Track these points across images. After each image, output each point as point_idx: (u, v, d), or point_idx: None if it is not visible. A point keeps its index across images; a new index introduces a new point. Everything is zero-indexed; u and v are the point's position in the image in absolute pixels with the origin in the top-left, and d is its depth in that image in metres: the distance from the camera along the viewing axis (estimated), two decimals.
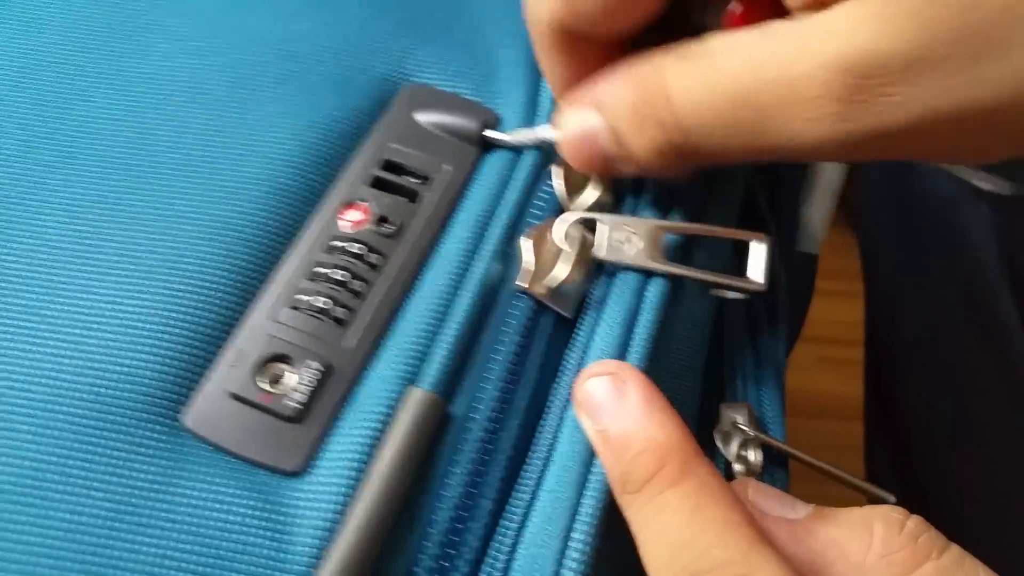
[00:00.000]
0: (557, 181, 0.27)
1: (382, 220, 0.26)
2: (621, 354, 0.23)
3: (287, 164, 0.26)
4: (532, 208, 0.26)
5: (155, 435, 0.21)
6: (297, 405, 0.22)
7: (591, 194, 0.26)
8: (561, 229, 0.25)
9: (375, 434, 0.22)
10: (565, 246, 0.25)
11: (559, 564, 0.21)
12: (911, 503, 0.22)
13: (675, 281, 0.25)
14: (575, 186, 0.27)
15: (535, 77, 0.29)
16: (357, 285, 0.24)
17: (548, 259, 0.25)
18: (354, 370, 0.23)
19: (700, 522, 0.19)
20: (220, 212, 0.25)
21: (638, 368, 0.23)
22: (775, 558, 0.18)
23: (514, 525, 0.22)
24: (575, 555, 0.20)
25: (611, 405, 0.21)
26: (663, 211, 0.26)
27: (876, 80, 0.19)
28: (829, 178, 0.24)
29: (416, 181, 0.27)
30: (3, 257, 0.24)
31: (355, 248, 0.25)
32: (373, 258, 0.25)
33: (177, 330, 0.23)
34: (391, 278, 0.25)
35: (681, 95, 0.22)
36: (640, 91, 0.22)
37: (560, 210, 0.26)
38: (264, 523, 0.21)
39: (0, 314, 0.23)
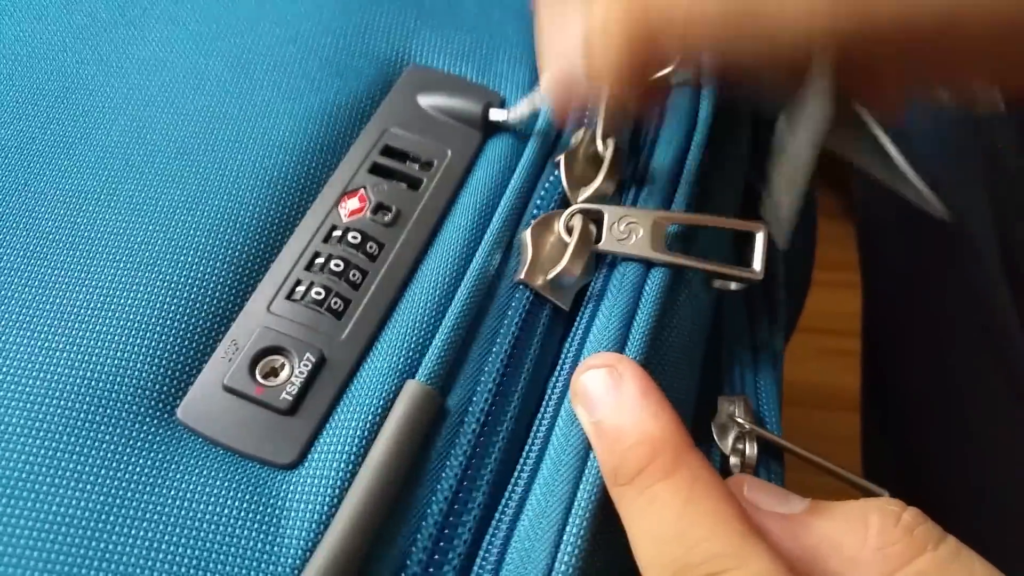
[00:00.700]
0: (562, 171, 0.26)
1: (382, 208, 0.25)
2: (620, 346, 0.23)
3: (287, 151, 0.25)
4: (535, 198, 0.26)
5: (148, 428, 0.21)
6: (291, 398, 0.21)
7: (595, 185, 0.25)
8: (564, 220, 0.25)
9: (369, 427, 0.21)
10: (567, 237, 0.24)
11: (553, 557, 0.20)
12: (907, 494, 0.21)
13: (676, 272, 0.24)
14: (579, 177, 0.26)
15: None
16: (354, 275, 0.23)
17: (549, 251, 0.25)
18: (349, 362, 0.22)
19: (691, 515, 0.18)
20: (218, 201, 0.24)
21: (636, 360, 0.22)
22: (766, 552, 0.18)
23: (508, 518, 0.21)
24: (569, 549, 0.20)
25: (607, 397, 0.21)
26: (665, 201, 0.26)
27: None
28: (794, 163, 0.22)
29: (417, 167, 0.26)
30: (0, 247, 0.23)
31: (354, 237, 0.24)
32: (372, 248, 0.24)
33: (173, 322, 0.22)
34: (389, 268, 0.24)
35: None
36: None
37: (563, 200, 0.26)
38: (256, 516, 0.20)
39: None
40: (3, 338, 0.22)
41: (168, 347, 0.22)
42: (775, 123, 0.23)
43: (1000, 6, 0.18)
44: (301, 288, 0.23)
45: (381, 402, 0.21)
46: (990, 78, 0.21)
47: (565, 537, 0.20)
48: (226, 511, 0.20)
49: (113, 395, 0.21)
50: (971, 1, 0.18)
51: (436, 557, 0.20)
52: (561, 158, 0.26)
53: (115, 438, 0.20)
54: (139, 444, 0.21)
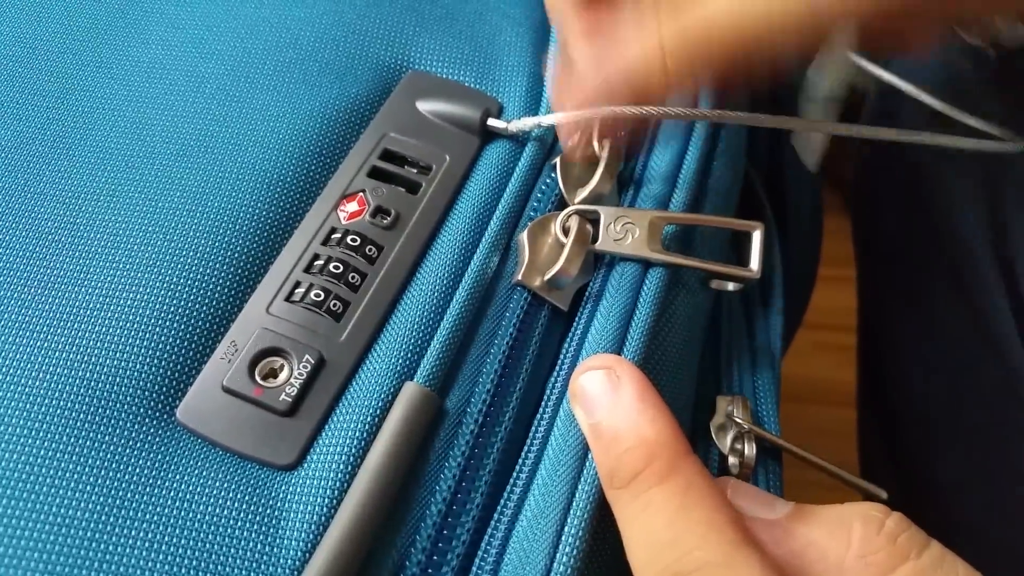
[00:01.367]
0: (558, 174, 0.26)
1: (381, 212, 0.24)
2: (618, 347, 0.22)
3: (286, 155, 0.25)
4: (532, 200, 0.25)
5: (147, 428, 0.21)
6: (290, 399, 0.21)
7: (591, 186, 0.25)
8: (560, 221, 0.24)
9: (368, 429, 0.21)
10: (563, 238, 0.24)
11: (551, 558, 0.20)
12: (901, 490, 0.21)
13: (674, 272, 0.24)
14: (575, 179, 0.26)
15: (538, 65, 0.28)
16: (353, 278, 0.23)
17: (546, 252, 0.24)
18: (348, 364, 0.22)
19: (684, 522, 0.18)
20: (218, 204, 0.24)
21: (634, 360, 0.22)
22: (758, 560, 0.18)
23: (506, 519, 0.21)
24: (568, 549, 0.20)
25: (605, 400, 0.20)
26: (662, 202, 0.25)
27: None
28: (831, 83, 0.23)
29: (416, 171, 0.26)
30: None
31: (353, 240, 0.24)
32: (370, 250, 0.24)
33: (172, 323, 0.22)
34: (388, 271, 0.24)
35: None
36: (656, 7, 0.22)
37: (560, 202, 0.25)
38: (255, 516, 0.20)
39: None
40: (2, 339, 0.21)
41: (167, 348, 0.22)
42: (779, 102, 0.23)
43: None
44: (300, 290, 0.23)
45: (380, 404, 0.21)
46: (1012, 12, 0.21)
47: (564, 538, 0.20)
48: (225, 512, 0.20)
49: (112, 396, 0.21)
50: None
51: (435, 558, 0.20)
52: (558, 160, 0.26)
53: (114, 439, 0.20)
54: (138, 445, 0.20)
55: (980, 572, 0.18)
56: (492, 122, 0.26)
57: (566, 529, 0.20)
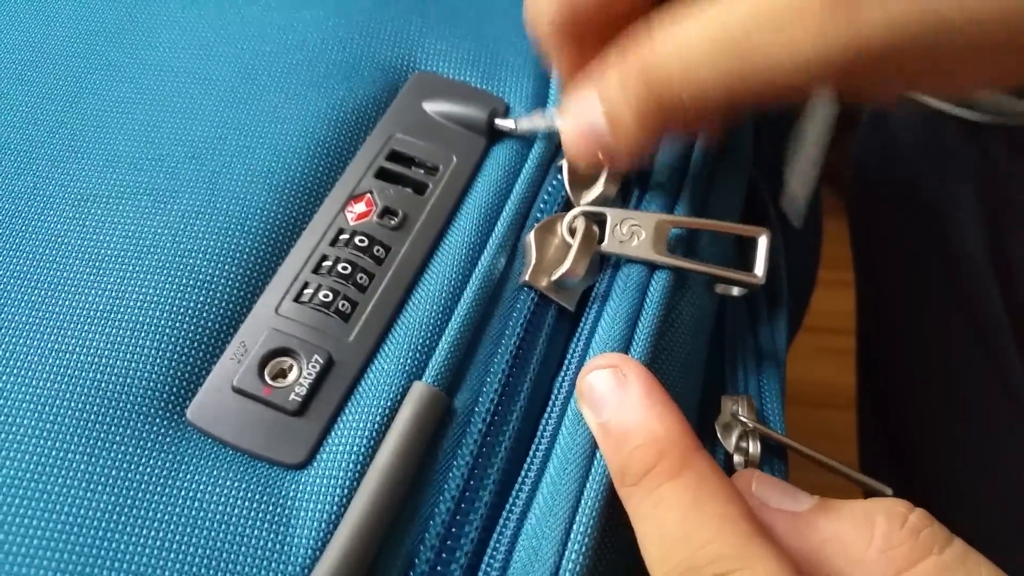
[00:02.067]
0: (565, 175, 0.26)
1: (388, 212, 0.25)
2: (624, 347, 0.23)
3: (294, 156, 0.25)
4: (539, 201, 0.26)
5: (158, 429, 0.21)
6: (299, 399, 0.21)
7: (598, 188, 0.25)
8: (567, 223, 0.24)
9: (377, 428, 0.21)
10: (570, 239, 0.24)
11: (560, 556, 0.20)
12: (901, 495, 0.21)
13: (679, 274, 0.24)
14: (582, 180, 0.26)
15: (544, 65, 0.28)
16: (361, 278, 0.23)
17: (553, 253, 0.24)
18: (357, 364, 0.22)
19: (697, 516, 0.18)
20: (226, 205, 0.24)
21: (641, 361, 0.22)
22: (773, 553, 0.18)
23: (515, 517, 0.21)
24: (576, 547, 0.20)
25: (613, 398, 0.20)
26: (669, 205, 0.25)
27: None
28: (811, 148, 0.23)
29: (423, 172, 0.26)
30: (9, 251, 0.23)
31: (360, 241, 0.24)
32: (378, 251, 0.24)
33: (182, 324, 0.22)
34: (395, 271, 0.24)
35: (664, 41, 0.21)
36: (623, 62, 0.22)
37: (567, 203, 0.26)
38: (266, 515, 0.20)
39: (6, 308, 0.22)
40: (14, 340, 0.21)
41: (177, 349, 0.22)
42: (779, 123, 0.23)
43: (980, 19, 0.18)
44: (309, 290, 0.23)
45: (388, 403, 0.21)
46: (987, 83, 0.21)
47: (572, 536, 0.20)
48: (236, 511, 0.20)
49: (123, 396, 0.21)
50: (955, 16, 0.18)
51: (444, 556, 0.20)
52: (564, 162, 0.26)
53: (125, 439, 0.20)
54: (149, 445, 0.20)
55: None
56: (499, 122, 0.26)
57: (575, 527, 0.20)
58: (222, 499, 0.20)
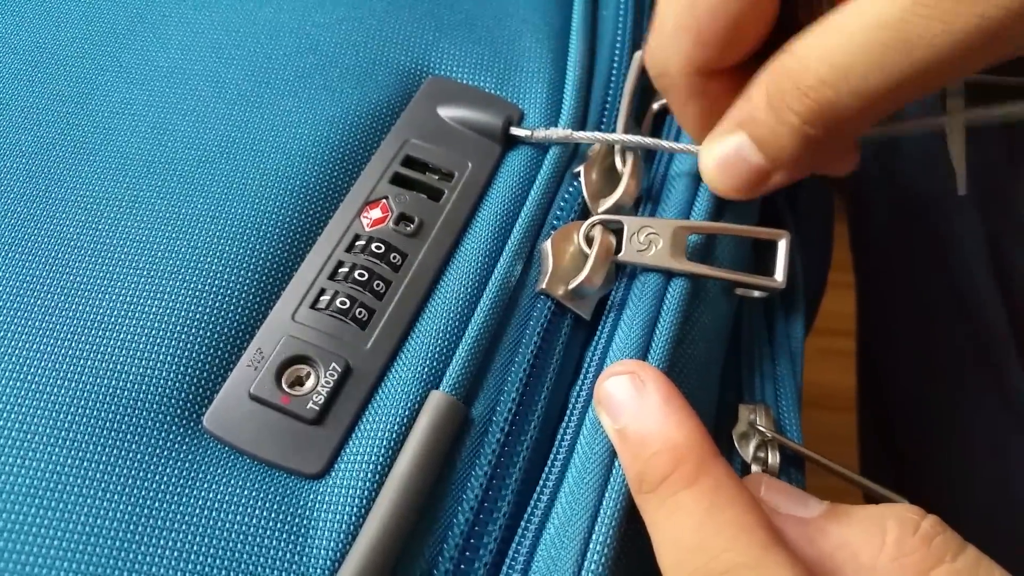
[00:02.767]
0: (582, 182, 0.25)
1: (404, 219, 0.24)
2: (642, 355, 0.22)
3: (308, 160, 0.25)
4: (555, 209, 0.25)
5: (175, 437, 0.20)
6: (317, 407, 0.21)
7: (615, 196, 0.25)
8: (584, 231, 0.24)
9: (395, 437, 0.21)
10: (587, 248, 0.24)
11: (579, 565, 0.20)
12: (900, 494, 0.21)
13: (696, 281, 0.24)
14: (599, 187, 0.26)
15: (558, 71, 0.28)
16: (378, 285, 0.23)
17: (569, 261, 0.24)
18: (374, 372, 0.22)
19: (713, 524, 0.18)
20: (241, 210, 0.24)
21: (659, 368, 0.22)
22: (788, 562, 0.17)
23: (534, 526, 0.21)
24: (596, 557, 0.19)
25: (631, 404, 0.20)
26: (685, 211, 0.25)
27: None
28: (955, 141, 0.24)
29: (438, 178, 0.26)
30: (22, 256, 0.23)
31: (377, 247, 0.24)
32: (395, 258, 0.24)
33: (197, 331, 0.22)
34: (412, 278, 0.23)
35: (817, 56, 0.20)
36: (770, 84, 0.21)
37: (583, 211, 0.25)
38: (283, 525, 0.20)
39: (19, 315, 0.22)
40: (28, 347, 0.21)
41: (193, 355, 0.21)
42: None
43: None
44: (325, 297, 0.23)
45: (406, 412, 0.21)
46: None
47: (592, 545, 0.20)
48: (254, 520, 0.20)
49: (139, 404, 0.21)
50: None
51: (463, 566, 0.20)
52: (581, 169, 0.26)
53: (141, 447, 0.20)
54: (165, 453, 0.20)
55: None
56: (515, 130, 0.26)
57: (594, 536, 0.20)
58: (239, 508, 0.20)
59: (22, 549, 0.19)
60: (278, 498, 0.20)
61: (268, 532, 0.20)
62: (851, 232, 0.48)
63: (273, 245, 0.23)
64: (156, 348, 0.21)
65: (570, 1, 0.30)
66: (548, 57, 0.28)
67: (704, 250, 0.25)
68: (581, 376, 0.23)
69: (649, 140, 0.25)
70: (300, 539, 0.20)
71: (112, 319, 0.22)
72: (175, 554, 0.19)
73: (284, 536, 0.20)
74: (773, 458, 0.24)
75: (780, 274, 0.24)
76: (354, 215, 0.24)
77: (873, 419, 0.49)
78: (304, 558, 0.19)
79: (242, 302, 0.22)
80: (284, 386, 0.21)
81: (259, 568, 0.19)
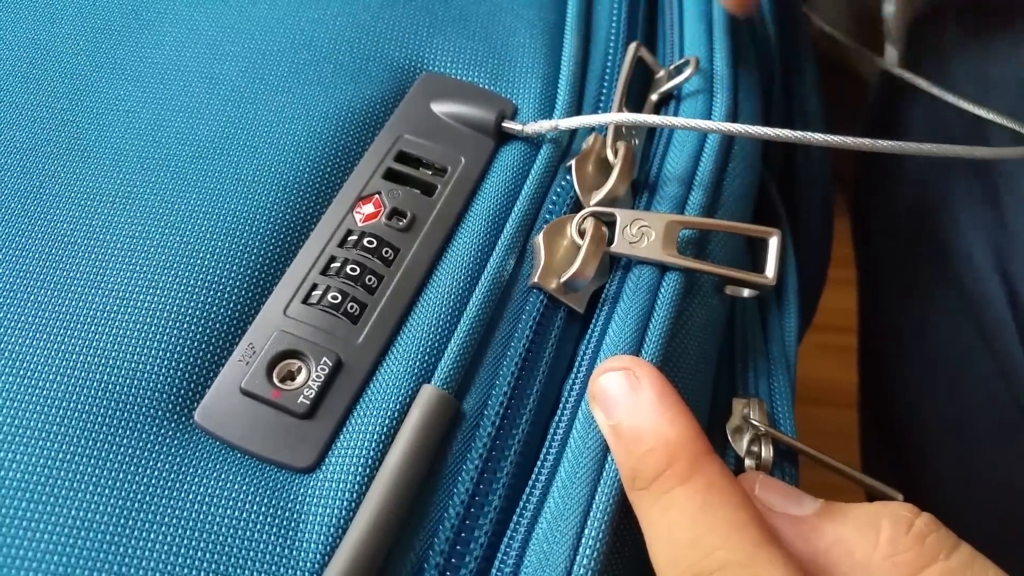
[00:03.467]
0: (574, 176, 0.25)
1: (397, 214, 0.24)
2: (635, 349, 0.22)
3: (302, 156, 0.25)
4: (547, 203, 0.25)
5: (166, 431, 0.20)
6: (308, 402, 0.21)
7: (607, 188, 0.25)
8: (576, 223, 0.24)
9: (386, 431, 0.20)
10: (579, 240, 0.24)
11: (571, 560, 0.19)
12: (905, 496, 0.20)
13: (690, 277, 0.24)
14: (591, 181, 0.25)
15: (552, 66, 0.28)
16: (370, 280, 0.23)
17: (562, 254, 0.24)
18: (366, 366, 0.22)
19: (706, 522, 0.18)
20: (234, 205, 0.24)
21: (652, 364, 0.21)
22: (781, 560, 0.17)
23: (526, 521, 0.21)
24: (588, 552, 0.19)
25: (625, 400, 0.20)
26: (679, 206, 0.25)
27: None
28: None
29: (431, 173, 0.25)
30: (15, 250, 0.23)
31: (369, 242, 0.23)
32: (387, 252, 0.23)
33: (190, 325, 0.22)
34: (404, 273, 0.23)
35: None
36: None
37: (576, 204, 0.25)
38: (274, 519, 0.20)
39: (12, 309, 0.22)
40: (20, 341, 0.21)
41: (185, 350, 0.21)
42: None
43: None
44: (317, 292, 0.23)
45: (397, 406, 0.21)
46: None
47: (584, 540, 0.20)
48: (244, 515, 0.20)
49: (130, 398, 0.21)
50: None
51: (453, 560, 0.20)
52: (573, 163, 0.26)
53: (133, 441, 0.20)
54: (157, 447, 0.20)
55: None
56: (507, 124, 0.26)
57: (586, 531, 0.19)
58: (230, 502, 0.20)
59: (13, 543, 0.19)
60: (269, 492, 0.20)
61: (259, 525, 0.20)
62: (853, 228, 0.47)
63: (266, 240, 0.23)
64: (148, 343, 0.21)
65: None
66: (542, 52, 0.28)
67: (696, 245, 0.25)
68: (574, 370, 0.23)
69: (633, 115, 0.25)
70: (291, 532, 0.20)
71: (104, 314, 0.22)
72: (166, 547, 0.19)
73: (275, 529, 0.20)
74: (766, 452, 0.23)
75: (771, 271, 0.24)
76: (347, 210, 0.24)
77: (874, 416, 0.49)
78: (295, 551, 0.19)
79: (234, 297, 0.22)
80: (275, 381, 0.21)
81: (250, 561, 0.19)
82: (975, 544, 0.19)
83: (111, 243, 0.23)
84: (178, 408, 0.21)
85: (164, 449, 0.20)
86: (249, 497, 0.20)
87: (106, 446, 0.20)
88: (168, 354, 0.21)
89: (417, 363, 0.22)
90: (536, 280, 0.23)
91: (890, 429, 0.46)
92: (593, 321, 0.24)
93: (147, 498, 0.19)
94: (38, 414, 0.20)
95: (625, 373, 0.20)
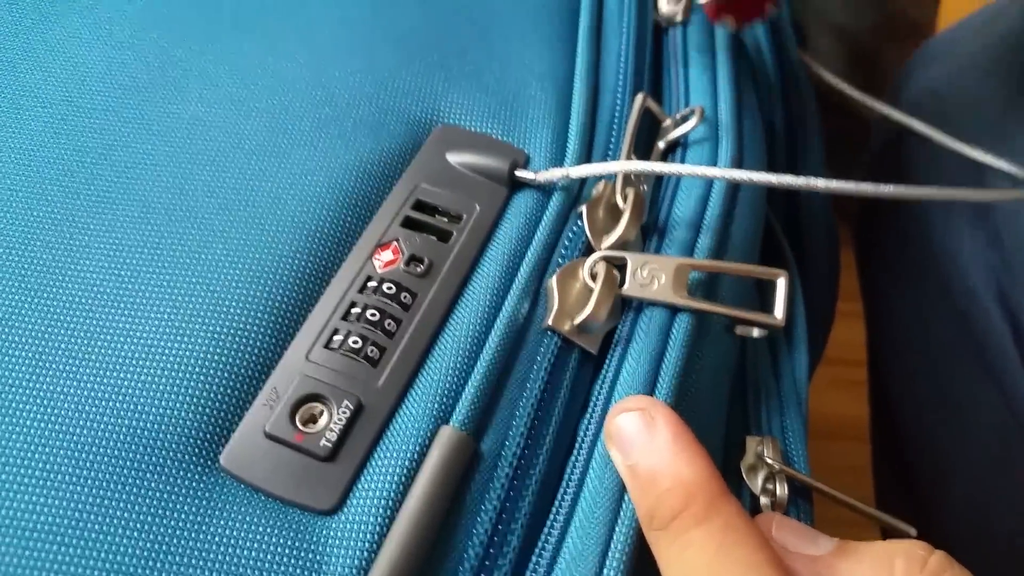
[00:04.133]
0: (585, 221, 0.26)
1: (415, 260, 0.25)
2: (649, 389, 0.23)
3: (323, 207, 0.26)
4: (560, 247, 0.26)
5: (192, 475, 0.21)
6: (330, 444, 0.21)
7: (618, 232, 0.25)
8: (588, 267, 0.25)
9: (406, 472, 0.21)
10: (592, 283, 0.24)
11: None
12: (917, 527, 0.20)
13: (701, 317, 0.24)
14: (602, 226, 0.26)
15: (562, 117, 0.29)
16: (389, 324, 0.23)
17: (575, 297, 0.25)
18: (385, 409, 0.22)
19: (724, 563, 0.18)
20: (258, 255, 0.24)
21: (667, 403, 0.22)
22: None
23: (545, 561, 0.21)
24: None
25: (641, 441, 0.20)
26: (687, 249, 0.26)
27: None
28: None
29: (447, 220, 0.26)
30: (47, 301, 0.23)
31: (388, 288, 0.24)
32: (405, 297, 0.24)
33: (216, 371, 0.22)
34: (422, 317, 0.24)
35: None
36: None
37: (587, 249, 0.26)
38: (298, 560, 0.20)
39: (44, 357, 0.22)
40: (52, 389, 0.22)
41: (211, 395, 0.22)
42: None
43: None
44: (339, 337, 0.23)
45: (417, 448, 0.21)
46: None
47: None
48: (269, 557, 0.20)
49: (158, 443, 0.21)
50: None
51: None
52: (584, 208, 0.26)
53: (161, 485, 0.20)
54: (184, 491, 0.20)
55: None
56: (520, 173, 0.27)
57: (605, 570, 0.20)
58: (255, 545, 0.20)
59: None
60: (292, 534, 0.20)
61: (283, 568, 0.20)
62: (858, 261, 0.48)
63: (288, 288, 0.24)
64: (175, 389, 0.22)
65: (573, 50, 0.31)
66: (553, 104, 0.29)
67: (706, 287, 0.25)
68: (589, 410, 0.23)
69: (641, 163, 0.26)
70: (314, 574, 0.20)
71: (133, 361, 0.22)
72: None
73: (298, 571, 0.20)
74: (781, 490, 0.24)
75: (780, 312, 0.24)
76: (366, 257, 0.25)
77: (886, 448, 0.49)
78: None
79: (258, 343, 0.23)
80: (298, 424, 0.22)
81: None
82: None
83: (139, 292, 0.24)
84: (204, 452, 0.21)
85: (191, 492, 0.20)
86: (273, 539, 0.20)
87: (134, 490, 0.20)
88: (194, 400, 0.22)
89: (435, 405, 0.22)
90: (550, 322, 0.24)
91: (902, 461, 0.45)
92: (607, 362, 0.24)
93: (174, 541, 0.20)
94: (69, 459, 0.21)
95: (641, 413, 0.21)
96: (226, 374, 0.22)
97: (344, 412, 0.22)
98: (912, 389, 0.43)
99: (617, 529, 0.20)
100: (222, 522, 0.20)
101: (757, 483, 0.24)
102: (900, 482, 0.46)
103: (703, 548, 0.18)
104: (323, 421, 0.22)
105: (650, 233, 0.27)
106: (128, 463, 0.21)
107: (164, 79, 0.29)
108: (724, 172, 0.24)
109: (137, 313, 0.23)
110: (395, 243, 0.25)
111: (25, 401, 0.21)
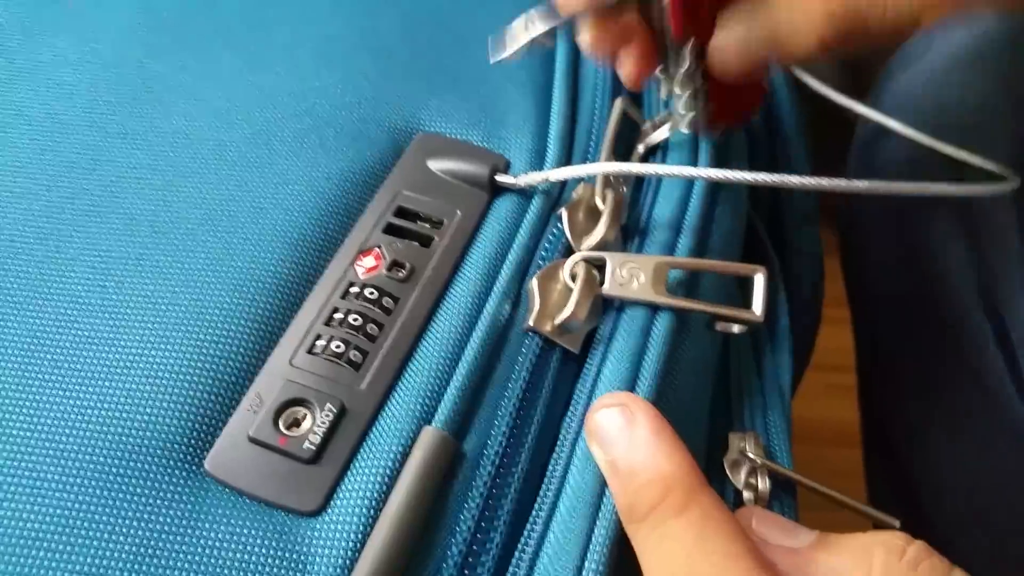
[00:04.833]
0: (565, 223, 0.26)
1: (396, 265, 0.25)
2: (630, 388, 0.23)
3: (306, 215, 0.26)
4: (540, 250, 0.26)
5: (177, 480, 0.21)
6: (313, 447, 0.21)
7: (598, 234, 0.26)
8: (568, 268, 0.25)
9: (389, 473, 0.21)
10: (572, 284, 0.25)
11: None
12: (912, 529, 0.21)
13: (681, 315, 0.25)
14: (582, 228, 0.26)
15: (541, 122, 0.29)
16: (371, 329, 0.24)
17: (556, 298, 0.25)
18: (368, 411, 0.22)
19: (702, 552, 0.18)
20: (241, 264, 0.25)
21: (647, 399, 0.22)
22: None
23: (528, 556, 0.21)
24: None
25: (621, 435, 0.21)
26: (668, 248, 0.26)
27: None
28: None
29: (429, 226, 0.26)
30: (33, 312, 0.24)
31: (370, 293, 0.24)
32: (387, 302, 0.24)
33: (200, 378, 0.22)
34: (404, 321, 0.24)
35: None
36: None
37: (568, 251, 0.26)
38: (282, 563, 0.20)
39: (30, 367, 0.22)
40: (38, 397, 0.22)
41: (195, 402, 0.22)
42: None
43: None
44: (321, 342, 0.23)
45: (400, 448, 0.21)
46: None
47: (584, 573, 0.20)
48: (254, 559, 0.20)
49: (143, 449, 0.21)
50: None
51: None
52: (564, 211, 0.27)
53: (146, 491, 0.21)
54: (169, 496, 0.21)
55: None
56: (500, 177, 0.27)
57: (586, 564, 0.20)
58: (240, 548, 0.20)
59: None
60: (277, 536, 0.20)
61: (268, 569, 0.20)
62: (843, 267, 0.48)
63: (272, 295, 0.24)
64: (160, 396, 0.22)
65: (552, 56, 0.31)
66: (532, 109, 0.29)
67: (687, 285, 0.25)
68: (570, 409, 0.24)
69: (618, 164, 0.26)
70: (298, 574, 0.20)
71: (118, 370, 0.22)
72: None
73: (283, 572, 0.20)
74: (764, 484, 0.24)
75: (758, 307, 0.25)
76: (348, 263, 0.25)
77: (877, 453, 0.49)
78: None
79: (242, 350, 0.23)
80: (282, 428, 0.22)
81: None
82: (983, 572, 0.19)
83: (124, 302, 0.24)
84: (189, 457, 0.21)
85: (176, 497, 0.21)
86: (258, 541, 0.20)
87: (120, 495, 0.20)
88: (179, 406, 0.22)
89: (418, 406, 0.22)
90: (531, 323, 0.24)
91: (894, 467, 0.46)
92: (588, 361, 0.24)
93: (160, 544, 0.20)
94: (55, 466, 0.21)
95: (621, 409, 0.21)
96: (210, 381, 0.22)
97: (327, 415, 0.22)
98: (899, 390, 0.43)
99: (598, 523, 0.20)
100: (207, 525, 0.20)
101: (740, 478, 0.24)
102: (892, 490, 0.46)
103: (681, 538, 0.18)
104: (306, 424, 0.22)
105: (631, 235, 0.27)
106: (113, 469, 0.21)
107: (147, 94, 0.29)
108: (701, 172, 0.25)
109: (121, 323, 0.23)
110: (377, 249, 0.25)
111: (10, 410, 0.22)
